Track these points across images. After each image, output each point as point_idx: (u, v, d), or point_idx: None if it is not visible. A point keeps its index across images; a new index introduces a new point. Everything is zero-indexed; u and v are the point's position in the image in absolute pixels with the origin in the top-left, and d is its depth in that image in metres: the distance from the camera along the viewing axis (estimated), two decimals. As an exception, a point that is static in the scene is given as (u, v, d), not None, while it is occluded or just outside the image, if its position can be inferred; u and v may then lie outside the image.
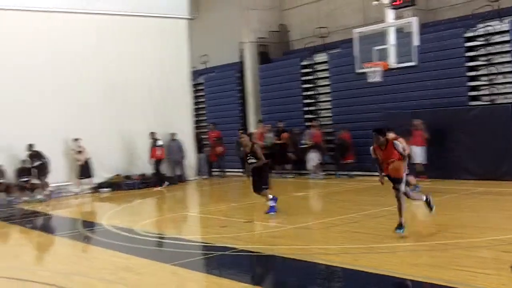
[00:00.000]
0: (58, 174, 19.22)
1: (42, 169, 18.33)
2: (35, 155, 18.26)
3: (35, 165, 18.27)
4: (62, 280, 8.28)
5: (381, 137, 9.62)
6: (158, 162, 20.44)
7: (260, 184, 12.74)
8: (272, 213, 12.49)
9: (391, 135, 14.51)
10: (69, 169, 19.70)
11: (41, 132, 18.62)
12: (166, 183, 20.38)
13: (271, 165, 21.61)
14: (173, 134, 21.32)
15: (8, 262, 10.59)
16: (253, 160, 12.77)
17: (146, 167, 20.57)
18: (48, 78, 19.19)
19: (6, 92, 18.46)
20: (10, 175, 18.50)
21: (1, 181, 18.16)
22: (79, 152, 19.46)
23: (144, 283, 8.08)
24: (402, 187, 9.54)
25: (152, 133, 20.30)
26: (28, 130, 18.42)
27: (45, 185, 18.46)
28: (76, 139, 19.37)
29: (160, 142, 20.39)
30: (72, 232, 13.20)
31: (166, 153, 21.23)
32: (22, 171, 18.46)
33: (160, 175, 20.49)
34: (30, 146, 18.18)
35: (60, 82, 19.42)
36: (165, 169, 21.11)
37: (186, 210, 16.06)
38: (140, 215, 15.99)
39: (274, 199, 12.65)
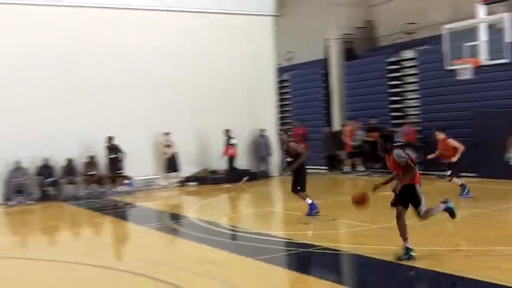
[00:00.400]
0: (147, 167, 19.93)
1: (116, 162, 18.96)
2: (112, 148, 18.91)
3: (110, 158, 18.94)
4: (150, 270, 8.56)
5: (383, 143, 8.49)
6: (231, 160, 20.65)
7: (295, 185, 12.50)
8: (314, 214, 12.30)
9: (441, 135, 14.04)
10: (157, 163, 20.32)
11: (132, 125, 19.40)
12: (245, 178, 20.56)
13: (363, 163, 21.44)
14: (262, 130, 21.53)
15: (100, 251, 11.11)
16: (290, 159, 12.58)
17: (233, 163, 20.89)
18: (140, 74, 19.86)
19: (106, 87, 19.27)
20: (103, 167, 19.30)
21: (94, 172, 18.96)
22: (168, 146, 20.04)
23: (229, 276, 8.24)
24: (422, 209, 8.23)
25: (227, 131, 20.46)
26: (120, 123, 19.16)
27: (118, 178, 19.05)
28: (166, 133, 19.96)
29: (233, 141, 20.55)
30: (159, 224, 13.65)
31: (253, 149, 21.54)
32: (116, 163, 19.24)
33: (235, 172, 20.64)
34: (110, 138, 18.78)
35: (150, 78, 20.04)
36: (249, 164, 21.41)
37: (269, 205, 16.19)
38: (225, 209, 16.31)
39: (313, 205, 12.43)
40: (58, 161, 18.61)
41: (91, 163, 18.91)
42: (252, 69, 21.93)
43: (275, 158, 22.35)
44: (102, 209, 16.27)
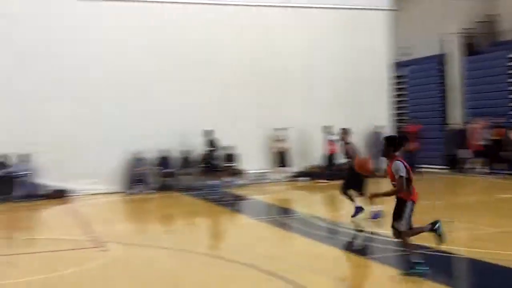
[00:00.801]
0: (259, 161, 20.26)
1: (211, 156, 19.30)
2: (209, 142, 19.25)
3: (208, 151, 19.29)
4: (262, 263, 8.68)
5: (386, 147, 7.90)
6: (330, 156, 20.41)
7: (345, 187, 12.11)
8: (375, 219, 11.76)
9: None
10: (269, 157, 20.58)
11: (246, 120, 19.88)
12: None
13: (488, 163, 20.41)
14: (376, 127, 21.24)
15: (214, 241, 11.46)
16: (348, 160, 12.15)
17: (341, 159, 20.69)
18: (254, 71, 20.24)
19: (224, 83, 19.86)
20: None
21: (209, 165, 19.53)
22: (280, 141, 20.24)
23: (339, 273, 8.22)
24: (400, 226, 7.74)
25: (325, 127, 20.22)
26: (234, 117, 19.75)
27: (230, 171, 19.45)
28: (279, 129, 20.16)
29: (333, 137, 20.25)
30: (270, 217, 13.83)
31: (366, 146, 21.25)
32: (228, 157, 19.76)
33: (331, 169, 20.37)
34: (207, 132, 19.14)
35: (264, 74, 20.35)
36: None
37: (381, 203, 15.89)
38: (335, 205, 16.20)
39: (358, 208, 11.95)
40: (176, 153, 19.39)
41: (207, 156, 19.48)
42: (367, 64, 21.60)
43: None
44: (216, 200, 16.74)
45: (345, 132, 12.70)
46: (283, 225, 12.67)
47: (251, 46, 20.31)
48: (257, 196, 17.70)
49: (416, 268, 7.69)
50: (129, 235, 12.00)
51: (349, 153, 12.33)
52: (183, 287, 7.91)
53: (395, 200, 7.86)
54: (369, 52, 21.64)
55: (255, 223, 13.17)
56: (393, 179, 7.81)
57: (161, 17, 19.46)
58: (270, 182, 20.27)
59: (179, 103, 19.24)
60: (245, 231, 12.55)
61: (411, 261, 7.75)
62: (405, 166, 7.70)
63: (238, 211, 15.91)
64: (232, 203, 16.66)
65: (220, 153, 19.54)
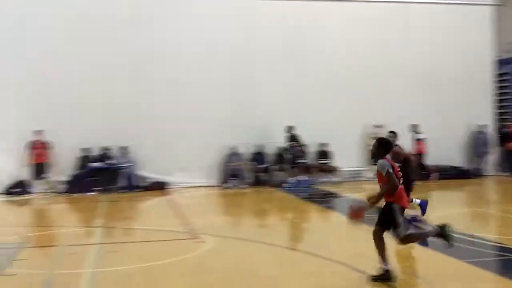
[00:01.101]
0: (353, 158, 20.12)
1: (294, 152, 19.24)
2: (291, 138, 19.23)
3: (287, 146, 19.28)
4: (353, 261, 8.68)
5: (376, 149, 7.65)
6: (418, 156, 19.74)
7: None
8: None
9: None
10: (364, 155, 20.36)
11: (342, 117, 19.84)
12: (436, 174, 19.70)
13: None
14: (480, 126, 20.51)
15: (305, 237, 11.52)
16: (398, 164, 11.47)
17: (444, 158, 20.11)
18: (349, 68, 20.15)
19: (323, 80, 20.00)
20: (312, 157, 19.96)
21: (303, 161, 19.58)
22: (375, 138, 19.94)
23: (432, 275, 8.06)
24: (401, 233, 7.41)
25: (413, 126, 19.56)
26: (329, 115, 19.71)
27: (294, 169, 19.33)
28: (378, 126, 19.90)
29: (420, 136, 19.53)
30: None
31: (472, 145, 20.63)
32: (321, 154, 19.76)
33: (422, 169, 19.69)
34: (289, 128, 19.16)
35: (360, 72, 20.19)
36: (462, 161, 20.51)
37: (483, 206, 15.36)
38: (435, 207, 15.80)
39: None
40: (270, 149, 19.64)
41: (296, 151, 19.56)
42: (469, 61, 20.93)
43: (493, 156, 21.08)
44: (308, 197, 16.81)
45: (394, 135, 12.25)
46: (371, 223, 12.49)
47: (348, 45, 20.20)
48: (351, 194, 17.56)
49: (445, 232, 7.67)
50: (223, 228, 12.25)
51: (399, 156, 11.88)
52: (274, 281, 8.02)
53: (384, 204, 7.61)
54: (471, 48, 20.98)
55: (346, 220, 13.04)
56: (380, 179, 7.54)
57: (260, 14, 19.75)
58: (365, 180, 20.06)
59: (278, 101, 19.50)
60: (337, 228, 12.49)
61: (439, 234, 7.71)
62: (392, 165, 7.48)
63: (330, 208, 15.87)
64: (325, 200, 16.65)
65: (305, 148, 19.59)
